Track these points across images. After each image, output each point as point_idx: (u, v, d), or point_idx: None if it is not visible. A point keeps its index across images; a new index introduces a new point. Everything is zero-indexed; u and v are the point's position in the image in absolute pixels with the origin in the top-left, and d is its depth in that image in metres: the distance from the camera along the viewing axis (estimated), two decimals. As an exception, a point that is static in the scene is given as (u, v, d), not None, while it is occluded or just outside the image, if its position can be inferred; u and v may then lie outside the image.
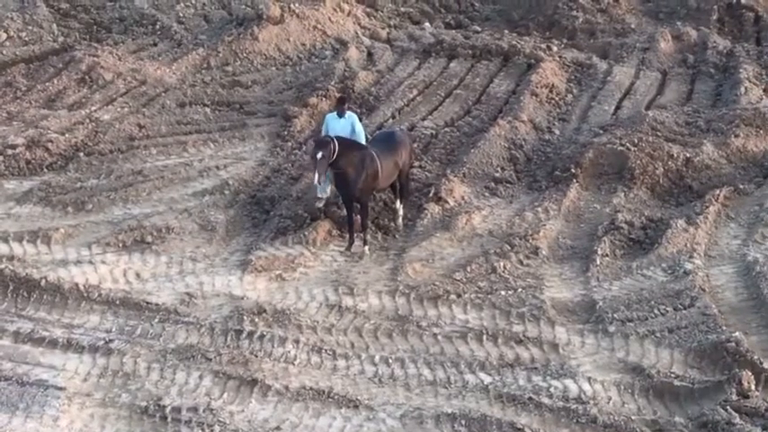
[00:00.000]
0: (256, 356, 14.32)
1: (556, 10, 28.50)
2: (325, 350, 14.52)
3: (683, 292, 15.67)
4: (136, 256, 16.90)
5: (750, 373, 13.58)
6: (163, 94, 23.57)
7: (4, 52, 25.56)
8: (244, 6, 28.03)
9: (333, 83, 23.56)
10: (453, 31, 27.99)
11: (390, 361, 14.32)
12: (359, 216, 17.47)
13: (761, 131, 20.52)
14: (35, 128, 21.30)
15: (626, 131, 20.54)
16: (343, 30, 27.10)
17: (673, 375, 13.92)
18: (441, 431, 12.95)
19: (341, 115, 17.81)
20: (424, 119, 22.36)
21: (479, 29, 28.14)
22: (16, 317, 15.28)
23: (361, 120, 19.15)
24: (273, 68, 25.29)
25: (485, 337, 14.82)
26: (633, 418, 13.10)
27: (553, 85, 23.80)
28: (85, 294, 15.63)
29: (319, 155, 16.63)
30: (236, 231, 17.93)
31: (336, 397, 13.49)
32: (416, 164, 19.81)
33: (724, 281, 16.31)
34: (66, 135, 21.01)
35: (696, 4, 28.78)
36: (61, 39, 26.60)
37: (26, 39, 26.39)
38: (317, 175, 16.67)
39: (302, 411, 13.31)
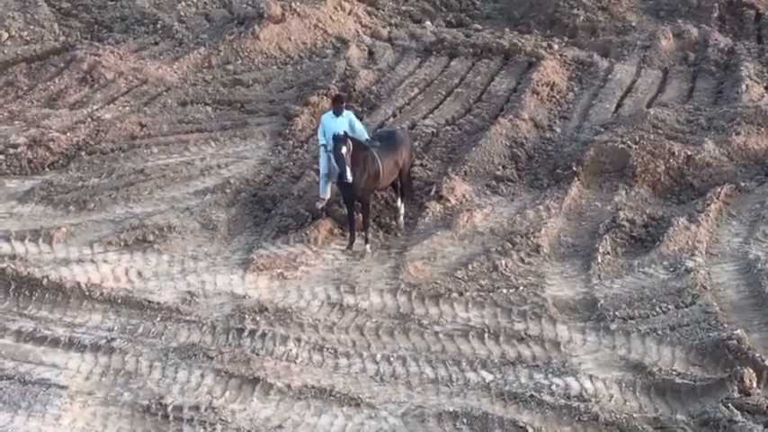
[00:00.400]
0: (258, 355, 14.32)
1: (557, 8, 28.45)
2: (327, 348, 14.53)
3: (684, 289, 15.66)
4: (137, 254, 16.90)
5: (752, 371, 13.58)
6: (164, 93, 23.57)
7: (6, 51, 25.55)
8: (245, 5, 28.01)
9: (334, 81, 23.55)
10: (454, 29, 27.96)
11: (392, 359, 14.32)
12: (360, 214, 17.47)
13: (762, 129, 20.50)
14: (37, 127, 21.31)
15: (627, 129, 20.53)
16: (344, 28, 27.09)
17: (674, 373, 13.91)
18: (442, 429, 12.95)
19: (337, 114, 17.70)
20: (425, 117, 22.35)
21: (480, 27, 28.11)
22: (18, 316, 15.29)
23: (361, 118, 19.16)
24: (275, 67, 25.28)
25: (486, 335, 14.82)
26: (635, 415, 13.11)
27: (554, 83, 23.78)
28: (87, 293, 15.64)
29: (344, 150, 16.66)
30: (237, 230, 17.93)
31: (338, 395, 13.49)
32: (418, 162, 19.80)
33: (725, 279, 16.31)
34: (68, 134, 21.02)
35: (697, 1, 28.70)
36: (62, 38, 26.59)
37: (27, 38, 26.38)
38: (348, 170, 16.66)
39: (304, 410, 13.32)
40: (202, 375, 13.91)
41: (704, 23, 27.57)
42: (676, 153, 19.60)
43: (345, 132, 16.95)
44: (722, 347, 14.15)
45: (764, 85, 23.62)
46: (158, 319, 15.19)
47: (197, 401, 13.37)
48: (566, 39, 27.15)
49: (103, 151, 20.63)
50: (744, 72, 23.89)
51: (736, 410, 12.98)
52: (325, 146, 17.46)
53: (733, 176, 19.38)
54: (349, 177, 16.70)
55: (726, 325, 14.71)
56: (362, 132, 17.86)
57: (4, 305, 15.51)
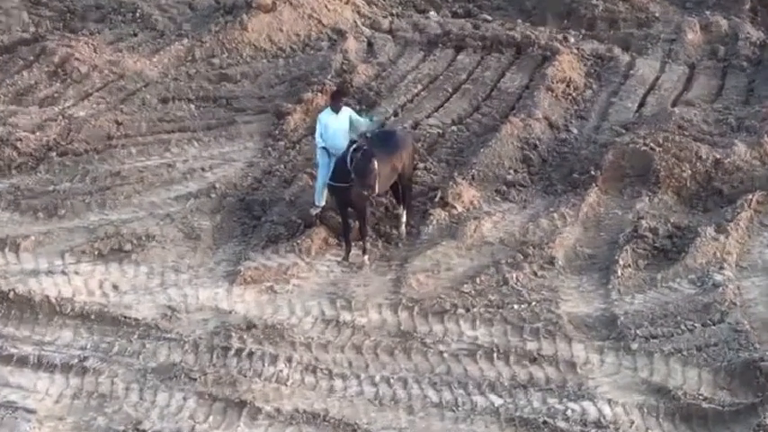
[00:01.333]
0: (245, 376, 14.35)
1: (573, -3, 28.56)
2: (321, 369, 14.56)
3: (712, 306, 15.71)
4: (113, 266, 16.94)
5: (785, 396, 13.64)
6: (143, 89, 23.60)
7: (-30, 43, 25.64)
8: (232, -7, 28.09)
9: (329, 77, 23.59)
10: (461, 20, 28.01)
11: (392, 381, 14.35)
12: (356, 222, 17.49)
13: (797, 130, 20.59)
14: (3, 125, 21.32)
15: (650, 130, 20.58)
16: (340, 18, 27.15)
17: (701, 397, 13.96)
18: (447, 458, 13.00)
19: (336, 110, 17.73)
20: (429, 116, 22.39)
21: (490, 18, 28.17)
22: (-18, 332, 15.33)
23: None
24: (264, 61, 25.32)
25: (495, 355, 14.86)
26: (658, 444, 13.16)
27: (570, 79, 23.84)
28: (58, 308, 15.67)
29: (374, 164, 16.69)
30: (223, 239, 17.97)
31: (332, 420, 13.53)
32: (421, 165, 19.86)
33: (757, 294, 16.35)
34: (37, 133, 21.04)
35: (727, -9, 28.85)
36: (32, 28, 26.61)
37: (-6, 28, 26.46)
38: (377, 184, 16.84)
39: (295, 436, 13.36)
40: (184, 398, 13.94)
41: (734, 15, 27.64)
42: (704, 156, 19.65)
43: (365, 137, 17.05)
44: (753, 369, 14.19)
45: (800, 82, 23.72)
46: (136, 336, 15.22)
47: (178, 427, 13.40)
48: (583, 31, 27.21)
49: (76, 152, 20.65)
50: (777, 68, 24.01)
51: (768, 438, 13.03)
52: (325, 149, 17.46)
53: (765, 182, 19.42)
54: (377, 190, 16.92)
55: (757, 345, 14.76)
56: (366, 123, 17.93)
57: (-33, 321, 15.57)
